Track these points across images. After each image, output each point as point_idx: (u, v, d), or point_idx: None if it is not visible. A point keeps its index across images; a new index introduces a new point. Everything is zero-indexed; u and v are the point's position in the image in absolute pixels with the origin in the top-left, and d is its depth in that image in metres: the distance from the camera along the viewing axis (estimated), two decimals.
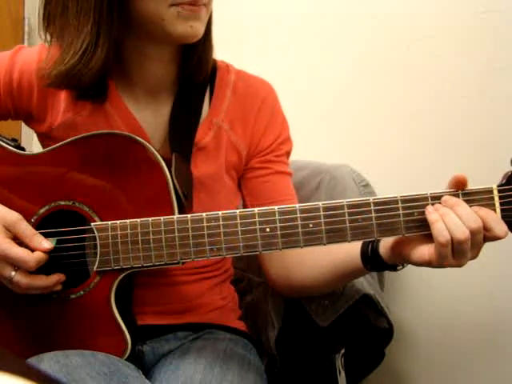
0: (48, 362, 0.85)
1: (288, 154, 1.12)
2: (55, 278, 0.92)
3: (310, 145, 1.31)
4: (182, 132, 1.03)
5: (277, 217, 0.87)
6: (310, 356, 1.18)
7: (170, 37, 0.94)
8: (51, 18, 0.96)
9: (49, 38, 0.97)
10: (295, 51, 1.63)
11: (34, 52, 1.03)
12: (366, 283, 1.10)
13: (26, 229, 0.91)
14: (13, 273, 0.89)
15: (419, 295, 1.55)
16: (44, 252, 0.90)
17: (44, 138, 1.06)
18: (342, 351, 1.20)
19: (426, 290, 1.53)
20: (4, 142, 0.99)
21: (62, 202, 0.95)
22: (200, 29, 0.94)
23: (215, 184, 1.06)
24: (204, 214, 0.89)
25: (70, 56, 0.92)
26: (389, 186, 1.38)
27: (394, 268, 0.94)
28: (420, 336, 1.56)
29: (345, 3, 1.58)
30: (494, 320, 1.50)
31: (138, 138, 0.93)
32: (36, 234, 0.91)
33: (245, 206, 1.09)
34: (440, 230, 0.82)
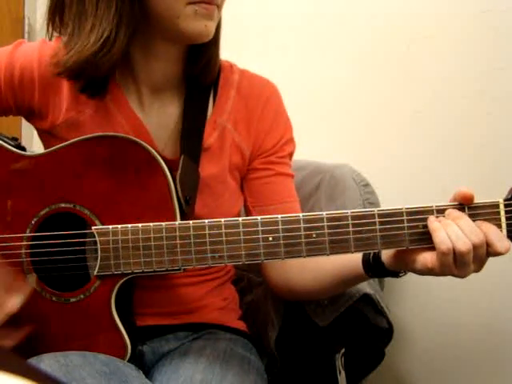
0: (48, 362, 0.85)
1: (291, 155, 1.11)
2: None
3: (310, 145, 1.31)
4: (191, 133, 1.02)
5: (280, 226, 0.86)
6: (310, 356, 1.18)
7: (183, 35, 0.94)
8: (65, 6, 0.95)
9: (57, 28, 0.97)
10: (295, 51, 1.63)
11: (34, 47, 1.02)
12: (365, 283, 1.10)
13: None
14: None
15: (419, 295, 1.55)
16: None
17: (45, 135, 1.05)
18: (342, 351, 1.20)
19: (426, 289, 1.53)
20: (4, 141, 0.97)
21: (63, 205, 0.94)
22: (213, 29, 0.95)
23: (219, 185, 1.05)
24: (206, 221, 0.88)
25: (90, 44, 0.92)
26: (389, 185, 1.39)
27: (395, 275, 0.93)
28: (420, 336, 1.56)
29: (345, 3, 1.58)
30: (493, 320, 1.50)
31: (139, 140, 0.92)
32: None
33: (246, 207, 1.09)
34: (441, 238, 0.81)
